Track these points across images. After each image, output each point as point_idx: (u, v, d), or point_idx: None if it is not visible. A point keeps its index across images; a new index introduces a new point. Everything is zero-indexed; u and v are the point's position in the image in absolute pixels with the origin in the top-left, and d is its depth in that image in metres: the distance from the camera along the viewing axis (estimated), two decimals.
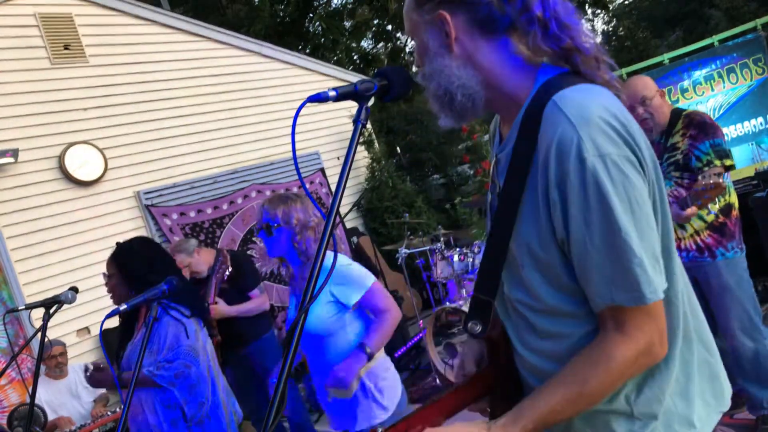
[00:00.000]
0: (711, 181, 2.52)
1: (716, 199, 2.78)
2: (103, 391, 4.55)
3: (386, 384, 2.31)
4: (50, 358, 4.24)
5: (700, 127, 2.79)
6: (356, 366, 2.16)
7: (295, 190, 6.86)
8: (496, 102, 1.16)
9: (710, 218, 2.81)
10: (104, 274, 2.61)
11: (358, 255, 7.46)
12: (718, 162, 2.72)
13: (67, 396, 4.32)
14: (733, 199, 2.87)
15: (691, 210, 2.63)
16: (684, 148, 2.82)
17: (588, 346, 1.07)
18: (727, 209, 2.83)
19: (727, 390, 1.22)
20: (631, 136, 1.01)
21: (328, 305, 2.24)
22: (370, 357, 2.17)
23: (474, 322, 1.16)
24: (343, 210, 7.39)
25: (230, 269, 4.00)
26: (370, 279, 2.29)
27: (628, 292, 1.01)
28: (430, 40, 1.15)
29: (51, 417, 4.16)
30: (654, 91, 2.91)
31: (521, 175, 1.07)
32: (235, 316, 3.91)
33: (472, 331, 1.17)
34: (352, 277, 2.27)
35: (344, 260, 2.31)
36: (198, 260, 4.07)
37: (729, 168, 2.75)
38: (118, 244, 2.68)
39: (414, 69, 1.24)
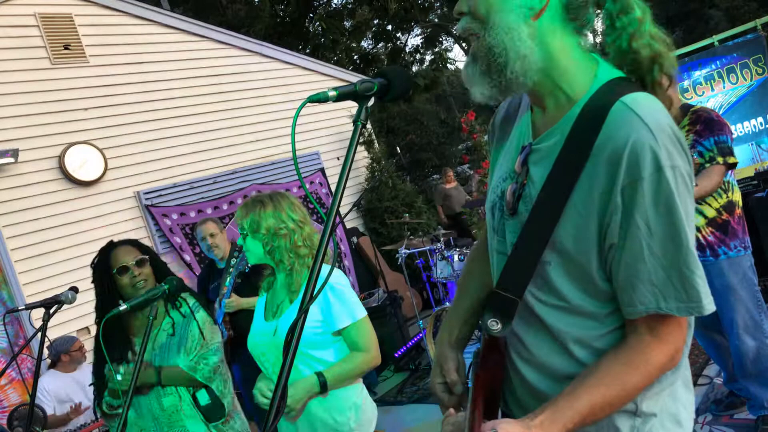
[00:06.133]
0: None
1: (717, 197, 2.77)
2: None
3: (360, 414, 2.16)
4: (76, 351, 4.34)
5: (707, 123, 2.77)
6: (304, 391, 2.04)
7: (294, 190, 6.86)
8: (545, 89, 1.09)
9: (711, 214, 2.79)
10: (133, 264, 2.41)
11: (358, 255, 7.45)
12: (720, 159, 2.70)
13: (74, 387, 4.29)
14: (737, 197, 2.84)
15: None
16: (688, 142, 2.81)
17: (621, 349, 1.06)
18: (729, 207, 2.80)
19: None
20: (688, 153, 1.02)
21: (312, 321, 2.11)
22: (323, 389, 2.05)
23: (493, 320, 1.11)
24: (343, 210, 7.39)
25: (249, 266, 3.93)
26: (362, 311, 2.16)
27: (682, 302, 1.01)
28: None
29: (56, 407, 4.14)
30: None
31: (574, 170, 1.03)
32: (249, 310, 3.83)
33: (490, 328, 1.11)
34: (349, 300, 2.15)
35: (342, 279, 2.20)
36: (223, 237, 4.07)
37: (732, 166, 2.73)
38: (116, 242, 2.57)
39: (459, 7, 1.10)
